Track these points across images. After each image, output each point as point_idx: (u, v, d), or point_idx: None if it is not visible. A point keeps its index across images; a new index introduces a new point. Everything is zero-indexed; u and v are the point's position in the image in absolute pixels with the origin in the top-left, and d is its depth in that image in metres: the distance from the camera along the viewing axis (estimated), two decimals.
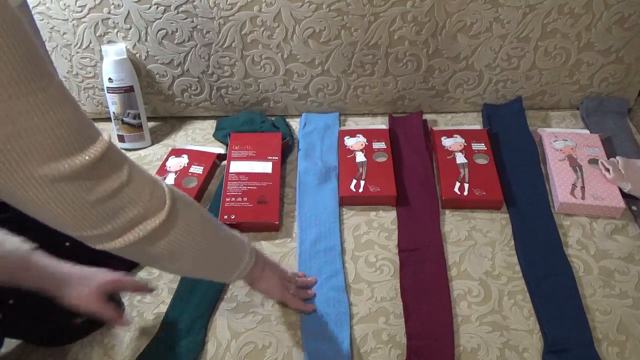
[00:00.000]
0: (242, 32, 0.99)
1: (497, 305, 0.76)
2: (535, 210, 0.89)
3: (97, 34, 1.02)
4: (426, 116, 1.10)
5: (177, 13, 0.97)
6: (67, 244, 0.65)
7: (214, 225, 0.58)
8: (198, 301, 0.78)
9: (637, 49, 1.00)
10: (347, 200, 0.93)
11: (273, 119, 1.12)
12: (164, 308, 0.78)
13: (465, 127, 1.08)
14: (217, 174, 1.02)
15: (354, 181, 0.94)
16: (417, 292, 0.78)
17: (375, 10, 0.95)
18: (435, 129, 1.05)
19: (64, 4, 0.98)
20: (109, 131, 1.02)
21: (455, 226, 0.88)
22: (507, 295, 0.77)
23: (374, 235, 0.88)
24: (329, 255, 0.84)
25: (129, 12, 0.98)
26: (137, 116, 1.06)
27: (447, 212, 0.91)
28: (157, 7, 0.97)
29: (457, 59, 1.03)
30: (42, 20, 1.00)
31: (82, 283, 0.64)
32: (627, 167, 0.90)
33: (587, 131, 1.02)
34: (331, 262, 0.83)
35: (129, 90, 1.03)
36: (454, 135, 1.01)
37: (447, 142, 1.00)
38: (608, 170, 0.89)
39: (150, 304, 0.78)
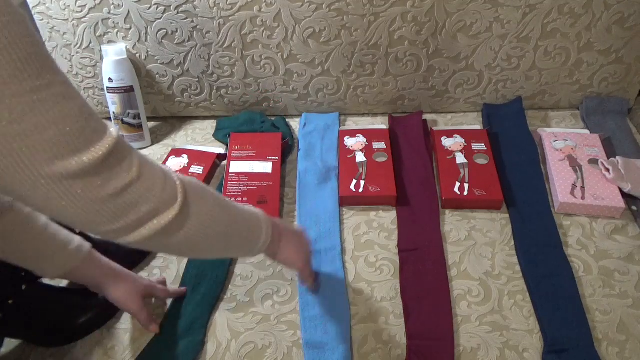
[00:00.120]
0: (242, 32, 0.99)
1: (497, 305, 0.76)
2: (535, 210, 0.89)
3: (97, 34, 1.02)
4: (426, 116, 1.10)
5: (177, 13, 0.97)
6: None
7: (228, 210, 0.57)
8: (198, 301, 0.78)
9: (637, 49, 1.00)
10: (347, 200, 0.93)
11: (273, 119, 1.13)
12: (164, 308, 0.78)
13: (465, 127, 1.08)
14: (217, 174, 1.02)
15: (354, 181, 0.94)
16: (417, 292, 0.78)
17: (375, 10, 0.95)
18: (435, 129, 1.05)
19: (64, 4, 0.98)
20: None
21: (455, 226, 0.88)
22: (507, 295, 0.77)
23: (374, 235, 0.88)
24: (329, 255, 0.84)
25: (129, 12, 0.98)
26: (137, 116, 1.06)
27: (447, 212, 0.91)
28: (157, 7, 0.97)
29: (457, 59, 1.03)
30: (42, 20, 1.01)
31: (127, 282, 0.69)
32: (627, 167, 0.90)
33: (587, 131, 1.02)
34: (331, 262, 0.83)
35: (129, 90, 1.03)
36: (454, 135, 1.01)
37: (447, 142, 1.00)
38: (608, 170, 0.89)
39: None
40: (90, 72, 1.07)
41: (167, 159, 1.02)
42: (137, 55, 1.05)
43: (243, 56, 1.03)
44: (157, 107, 1.14)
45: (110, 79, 1.02)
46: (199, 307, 0.78)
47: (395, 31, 0.98)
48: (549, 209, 0.89)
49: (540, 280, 0.78)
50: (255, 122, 1.10)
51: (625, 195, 0.87)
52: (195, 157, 1.01)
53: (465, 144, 0.98)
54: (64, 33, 1.02)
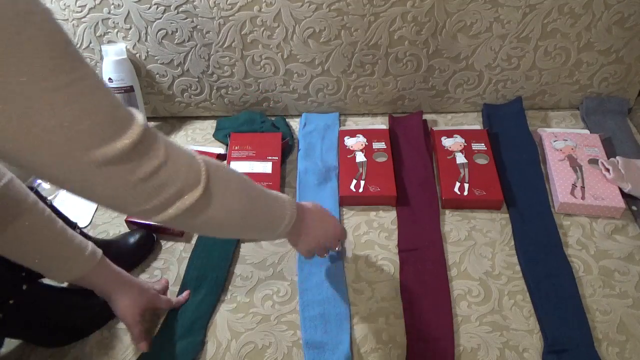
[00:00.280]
0: (242, 32, 0.99)
1: (497, 305, 0.76)
2: (535, 210, 0.89)
3: (97, 34, 1.02)
4: (426, 116, 1.10)
5: (177, 13, 0.97)
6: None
7: (252, 193, 0.59)
8: (198, 302, 0.78)
9: (637, 49, 1.00)
10: (347, 200, 0.93)
11: (273, 119, 1.12)
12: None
13: (465, 127, 1.08)
14: None
15: (354, 181, 0.94)
16: (417, 292, 0.78)
17: (375, 10, 0.95)
18: (435, 129, 1.05)
19: (64, 4, 0.98)
20: None
21: (455, 226, 0.88)
22: (507, 295, 0.77)
23: (374, 235, 0.88)
24: (329, 255, 0.84)
25: (129, 12, 0.98)
26: None
27: (447, 212, 0.91)
28: (157, 7, 0.97)
29: (457, 59, 1.03)
30: None
31: (131, 292, 0.71)
32: (627, 167, 0.90)
33: (587, 131, 1.02)
34: (331, 261, 0.83)
35: (129, 90, 1.03)
36: (454, 135, 1.01)
37: (447, 142, 1.00)
38: (608, 170, 0.89)
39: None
40: None
41: None
42: (137, 55, 1.04)
43: (243, 56, 1.03)
44: (157, 107, 1.14)
45: (110, 78, 1.02)
46: (199, 308, 0.78)
47: (395, 31, 0.98)
48: (549, 209, 0.89)
49: (540, 280, 0.78)
50: (255, 122, 1.10)
51: (625, 195, 0.87)
52: None
53: (465, 144, 0.98)
54: None
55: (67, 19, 0.99)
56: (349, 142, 1.02)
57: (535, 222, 0.86)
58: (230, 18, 0.97)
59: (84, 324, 0.74)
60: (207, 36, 1.00)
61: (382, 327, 0.74)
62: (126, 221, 0.90)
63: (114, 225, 0.93)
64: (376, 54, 1.02)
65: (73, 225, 0.77)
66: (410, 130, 1.06)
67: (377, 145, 1.00)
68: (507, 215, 0.89)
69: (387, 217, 0.91)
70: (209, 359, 0.72)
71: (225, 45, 1.01)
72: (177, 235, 0.90)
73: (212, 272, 0.83)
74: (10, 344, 0.74)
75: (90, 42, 1.03)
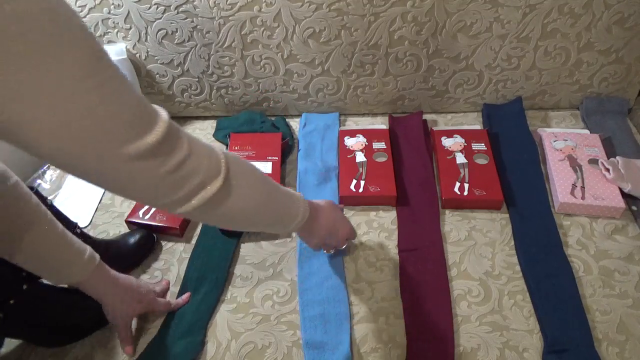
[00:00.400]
0: (242, 32, 0.99)
1: (497, 305, 0.76)
2: (535, 210, 0.89)
3: (97, 34, 1.02)
4: (426, 116, 1.10)
5: (177, 13, 0.97)
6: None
7: (268, 186, 0.61)
8: (198, 303, 0.79)
9: (637, 49, 1.00)
10: (347, 200, 0.93)
11: (273, 119, 1.12)
12: None
13: (465, 127, 1.08)
14: None
15: (354, 181, 0.94)
16: (417, 292, 0.78)
17: (375, 10, 0.95)
18: (435, 129, 1.05)
19: None
20: None
21: (455, 226, 0.88)
22: (507, 295, 0.77)
23: (374, 235, 0.88)
24: (329, 255, 0.84)
25: (129, 12, 0.98)
26: None
27: (447, 212, 0.91)
28: (157, 7, 0.97)
29: (457, 59, 1.03)
30: None
31: (127, 297, 0.71)
32: (627, 167, 0.90)
33: (587, 131, 1.02)
34: (331, 261, 0.83)
35: None
36: (454, 135, 1.01)
37: (447, 142, 1.00)
38: (608, 170, 0.89)
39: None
40: None
41: None
42: (137, 55, 1.04)
43: (243, 56, 1.03)
44: None
45: None
46: (199, 308, 0.78)
47: (395, 31, 0.98)
48: (549, 209, 0.89)
49: (540, 280, 0.78)
50: (255, 122, 1.10)
51: (625, 195, 0.87)
52: None
53: (465, 144, 0.98)
54: None
55: None
56: (349, 142, 1.02)
57: (535, 222, 0.86)
58: (230, 18, 0.97)
59: (84, 323, 0.74)
60: (207, 36, 1.00)
61: (382, 327, 0.74)
62: (126, 221, 0.90)
63: (114, 225, 0.93)
64: (376, 54, 1.02)
65: (73, 225, 0.77)
66: (410, 130, 1.06)
67: (377, 145, 1.00)
68: (507, 215, 0.89)
69: (387, 217, 0.91)
70: (209, 359, 0.72)
71: (225, 45, 1.01)
72: (177, 236, 0.90)
73: (212, 272, 0.83)
74: (11, 343, 0.74)
75: None
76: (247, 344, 0.73)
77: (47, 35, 0.35)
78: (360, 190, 0.92)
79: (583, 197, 0.87)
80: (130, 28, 1.00)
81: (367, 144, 1.01)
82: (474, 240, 0.86)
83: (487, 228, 0.87)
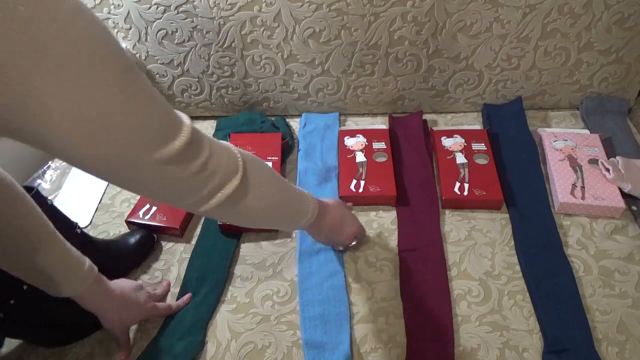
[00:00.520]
0: (242, 32, 0.99)
1: (497, 305, 0.76)
2: (535, 210, 0.89)
3: None
4: (426, 116, 1.10)
5: (177, 13, 0.97)
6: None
7: (281, 184, 0.63)
8: (198, 303, 0.79)
9: (637, 49, 1.00)
10: (347, 200, 0.92)
11: (273, 119, 1.12)
12: None
13: (465, 127, 1.08)
14: None
15: (354, 181, 0.94)
16: (417, 292, 0.78)
17: (375, 10, 0.95)
18: (435, 129, 1.05)
19: None
20: None
21: (455, 226, 0.88)
22: (507, 295, 0.77)
23: (374, 235, 0.88)
24: (329, 255, 0.84)
25: (129, 12, 0.98)
26: None
27: (447, 212, 0.91)
28: (157, 7, 0.97)
29: (457, 59, 1.03)
30: None
31: (126, 310, 0.71)
32: (627, 167, 0.90)
33: (587, 131, 1.02)
34: (331, 261, 0.83)
35: None
36: (454, 135, 1.01)
37: (447, 142, 1.00)
38: (608, 170, 0.89)
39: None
40: None
41: None
42: (137, 55, 1.05)
43: (243, 56, 1.03)
44: None
45: None
46: (199, 308, 0.78)
47: (395, 31, 0.98)
48: (549, 209, 0.89)
49: (540, 280, 0.78)
50: (255, 122, 1.10)
51: (625, 195, 0.87)
52: None
53: (465, 144, 0.98)
54: None
55: None
56: (349, 142, 1.02)
57: (535, 222, 0.86)
58: (230, 18, 0.97)
59: (84, 323, 0.74)
60: (207, 36, 1.00)
61: (382, 327, 0.74)
62: (126, 221, 0.90)
63: (114, 226, 0.93)
64: (376, 54, 1.02)
65: (73, 225, 0.77)
66: (410, 130, 1.06)
67: (377, 145, 1.00)
68: (507, 215, 0.89)
69: (387, 217, 0.91)
70: (209, 359, 0.72)
71: (225, 45, 1.01)
72: (177, 236, 0.90)
73: (212, 272, 0.83)
74: (11, 343, 0.75)
75: None
76: (247, 344, 0.73)
77: (85, 52, 0.37)
78: (360, 190, 0.92)
79: (583, 197, 0.87)
80: (130, 28, 1.00)
81: (367, 144, 1.01)
82: (474, 240, 0.86)
83: (487, 228, 0.87)
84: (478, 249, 0.84)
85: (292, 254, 0.86)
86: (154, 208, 0.91)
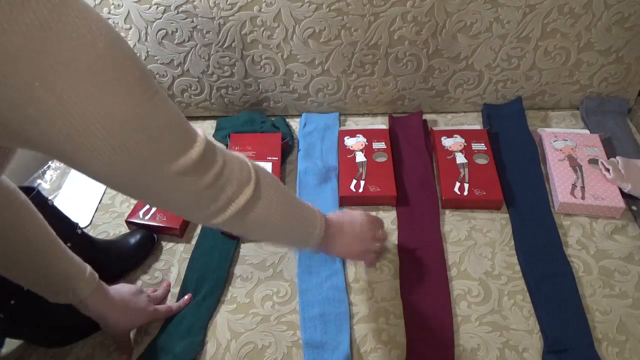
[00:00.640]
0: (242, 32, 0.99)
1: (497, 305, 0.76)
2: (535, 210, 0.89)
3: None
4: (426, 116, 1.10)
5: (177, 13, 0.97)
6: (69, 244, 0.65)
7: (290, 197, 0.62)
8: (198, 303, 0.79)
9: (637, 49, 1.00)
10: (347, 200, 0.93)
11: (273, 119, 1.12)
12: None
13: (465, 127, 1.08)
14: None
15: (354, 181, 0.94)
16: (417, 292, 0.78)
17: (375, 10, 0.95)
18: (435, 129, 1.05)
19: None
20: None
21: (455, 226, 0.88)
22: (507, 295, 0.77)
23: None
24: (329, 255, 0.84)
25: (129, 12, 0.98)
26: None
27: (447, 212, 0.91)
28: (157, 7, 0.97)
29: (457, 59, 1.03)
30: None
31: (127, 316, 0.71)
32: (627, 167, 0.90)
33: (587, 131, 1.02)
34: (331, 261, 0.83)
35: None
36: (454, 135, 1.01)
37: (447, 142, 1.00)
38: (608, 170, 0.89)
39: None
40: None
41: None
42: (137, 55, 1.04)
43: (243, 56, 1.03)
44: None
45: None
46: (199, 309, 0.78)
47: (395, 31, 0.98)
48: (549, 209, 0.89)
49: (540, 280, 0.78)
50: (255, 122, 1.10)
51: (625, 195, 0.87)
52: None
53: (465, 144, 0.98)
54: None
55: None
56: (349, 142, 1.02)
57: (535, 222, 0.86)
58: (230, 18, 0.97)
59: (85, 324, 0.74)
60: (207, 36, 1.00)
61: (382, 327, 0.74)
62: (126, 221, 0.90)
63: (114, 226, 0.93)
64: (376, 54, 1.02)
65: (74, 226, 0.77)
66: (410, 130, 1.06)
67: (377, 145, 1.00)
68: (507, 215, 0.89)
69: (387, 217, 0.91)
70: (208, 359, 0.72)
71: (225, 45, 1.01)
72: (178, 236, 0.90)
73: (213, 272, 0.83)
74: (11, 344, 0.75)
75: None
76: (247, 344, 0.73)
77: (107, 61, 0.38)
78: (360, 190, 0.92)
79: (583, 197, 0.87)
80: (130, 28, 1.00)
81: (367, 144, 1.01)
82: (473, 240, 0.86)
83: (487, 228, 0.87)
84: (478, 249, 0.84)
85: (292, 254, 0.86)
86: (154, 208, 0.91)
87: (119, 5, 0.97)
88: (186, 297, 0.79)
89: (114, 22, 1.00)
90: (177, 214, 0.52)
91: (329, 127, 1.09)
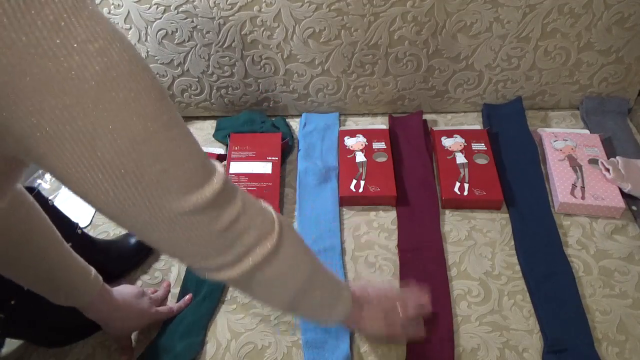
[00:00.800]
0: (242, 32, 0.99)
1: (497, 305, 0.76)
2: (535, 210, 0.89)
3: None
4: (426, 116, 1.10)
5: (177, 13, 0.97)
6: (69, 244, 0.65)
7: (314, 258, 0.56)
8: (199, 304, 0.79)
9: (637, 49, 1.00)
10: (347, 200, 0.93)
11: (273, 119, 1.13)
12: None
13: (465, 127, 1.08)
14: None
15: (354, 181, 0.94)
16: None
17: (375, 10, 0.95)
18: (435, 129, 1.05)
19: None
20: None
21: (455, 226, 0.88)
22: (507, 295, 0.77)
23: (374, 235, 0.88)
24: (329, 255, 0.84)
25: (129, 12, 0.98)
26: None
27: (447, 212, 0.91)
28: (157, 7, 0.97)
29: (457, 59, 1.03)
30: None
31: (130, 319, 0.71)
32: (627, 167, 0.90)
33: (587, 131, 1.02)
34: (331, 262, 0.83)
35: None
36: (454, 135, 1.01)
37: (447, 142, 1.00)
38: (608, 170, 0.89)
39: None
40: None
41: None
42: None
43: (243, 56, 1.03)
44: None
45: None
46: (199, 309, 0.78)
47: (395, 31, 0.98)
48: (549, 209, 0.89)
49: (540, 280, 0.78)
50: (255, 122, 1.10)
51: (625, 195, 0.88)
52: None
53: (465, 144, 0.98)
54: None
55: None
56: (349, 142, 1.02)
57: (535, 222, 0.87)
58: (230, 18, 0.97)
59: (85, 324, 0.74)
60: (207, 36, 1.00)
61: None
62: None
63: (114, 226, 0.93)
64: (376, 54, 1.02)
65: (74, 226, 0.77)
66: (410, 130, 1.06)
67: (377, 145, 1.00)
68: (507, 215, 0.89)
69: (387, 217, 0.91)
70: (208, 359, 0.72)
71: (225, 45, 1.01)
72: None
73: None
74: (12, 344, 0.75)
75: None
76: (247, 344, 0.73)
77: (122, 78, 0.35)
78: (360, 190, 0.92)
79: (583, 197, 0.87)
80: (130, 28, 1.00)
81: (367, 144, 1.01)
82: (474, 240, 0.86)
83: (487, 228, 0.87)
84: (478, 249, 0.84)
85: None
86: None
87: (119, 5, 0.97)
88: (187, 297, 0.79)
89: (113, 22, 1.00)
90: (182, 261, 0.47)
91: (329, 127, 1.09)
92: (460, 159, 0.96)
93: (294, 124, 1.13)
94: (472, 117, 1.12)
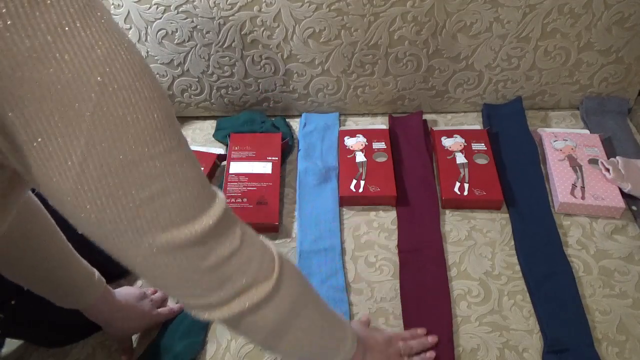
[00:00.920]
0: (242, 32, 0.99)
1: (497, 305, 0.76)
2: (535, 210, 0.89)
3: None
4: (426, 116, 1.10)
5: (177, 13, 0.97)
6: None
7: (318, 303, 0.52)
8: None
9: (637, 49, 1.00)
10: (347, 200, 0.93)
11: (273, 119, 1.12)
12: None
13: (465, 127, 1.08)
14: (217, 174, 1.02)
15: (354, 181, 0.94)
16: (417, 292, 0.78)
17: (375, 10, 0.95)
18: (435, 129, 1.05)
19: None
20: None
21: (455, 226, 0.88)
22: (507, 295, 0.77)
23: (374, 235, 0.88)
24: (329, 255, 0.84)
25: (129, 12, 0.98)
26: None
27: (447, 212, 0.91)
28: (157, 7, 0.97)
29: (457, 59, 1.03)
30: None
31: (131, 320, 0.71)
32: (627, 167, 0.90)
33: (587, 131, 1.02)
34: (331, 262, 0.83)
35: None
36: (454, 135, 1.01)
37: (447, 142, 1.00)
38: (608, 170, 0.89)
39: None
40: None
41: None
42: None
43: (243, 56, 1.03)
44: None
45: None
46: None
47: (395, 31, 0.98)
48: (549, 209, 0.89)
49: (540, 280, 0.78)
50: (255, 122, 1.10)
51: (625, 195, 0.88)
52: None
53: (465, 144, 0.98)
54: None
55: None
56: (349, 142, 1.02)
57: (535, 222, 0.87)
58: (230, 18, 0.97)
59: (85, 324, 0.74)
60: (207, 36, 1.00)
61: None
62: None
63: None
64: (376, 54, 1.02)
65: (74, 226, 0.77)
66: (410, 130, 1.06)
67: (377, 145, 1.00)
68: (507, 215, 0.89)
69: (387, 217, 0.91)
70: (208, 359, 0.72)
71: (225, 45, 1.01)
72: None
73: None
74: (12, 344, 0.75)
75: None
76: (247, 344, 0.73)
77: (125, 101, 0.33)
78: (360, 190, 0.92)
79: (583, 197, 0.87)
80: (130, 28, 1.00)
81: (367, 144, 1.01)
82: (474, 240, 0.86)
83: (487, 228, 0.87)
84: (478, 249, 0.84)
85: (292, 254, 0.86)
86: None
87: (119, 5, 0.97)
88: None
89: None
90: (161, 290, 0.45)
91: (329, 127, 1.09)
92: (460, 159, 0.96)
93: (294, 124, 1.13)
94: (472, 117, 1.12)
